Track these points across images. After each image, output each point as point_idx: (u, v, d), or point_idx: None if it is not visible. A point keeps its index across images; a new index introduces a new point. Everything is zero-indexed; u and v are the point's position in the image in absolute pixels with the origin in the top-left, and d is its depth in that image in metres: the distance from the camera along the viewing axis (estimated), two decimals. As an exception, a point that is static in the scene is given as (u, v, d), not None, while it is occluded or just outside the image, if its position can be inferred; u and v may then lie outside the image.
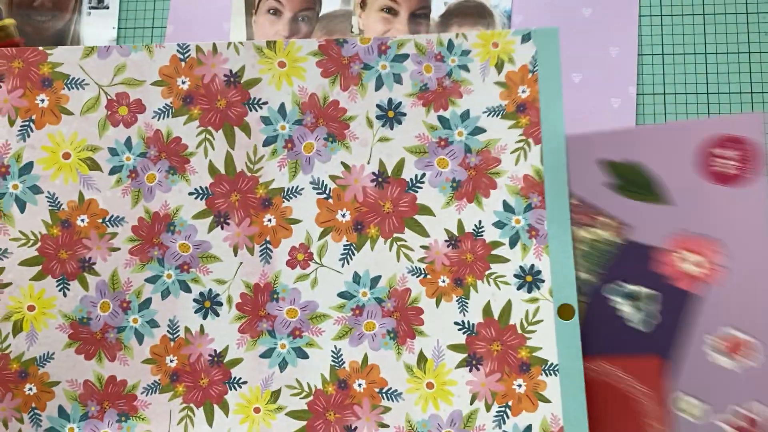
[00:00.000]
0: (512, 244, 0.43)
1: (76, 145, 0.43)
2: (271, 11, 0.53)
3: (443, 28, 0.51)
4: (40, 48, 0.42)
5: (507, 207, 0.43)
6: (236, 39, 0.53)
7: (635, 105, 0.51)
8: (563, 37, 0.53)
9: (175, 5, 0.57)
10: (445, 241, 0.43)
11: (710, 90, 0.52)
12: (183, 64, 0.43)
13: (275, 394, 0.43)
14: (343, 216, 0.43)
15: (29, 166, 0.42)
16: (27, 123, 0.42)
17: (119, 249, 0.43)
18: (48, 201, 0.42)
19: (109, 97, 0.43)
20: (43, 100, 0.42)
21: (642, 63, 0.52)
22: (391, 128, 0.43)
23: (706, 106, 0.51)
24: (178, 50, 0.43)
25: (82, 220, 0.43)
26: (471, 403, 0.42)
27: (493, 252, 0.43)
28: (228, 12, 0.56)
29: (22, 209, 0.42)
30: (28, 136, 0.42)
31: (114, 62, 0.43)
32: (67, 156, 0.43)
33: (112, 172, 0.43)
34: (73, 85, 0.42)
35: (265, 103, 0.43)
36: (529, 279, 0.42)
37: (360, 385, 0.43)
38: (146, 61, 0.43)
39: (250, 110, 0.43)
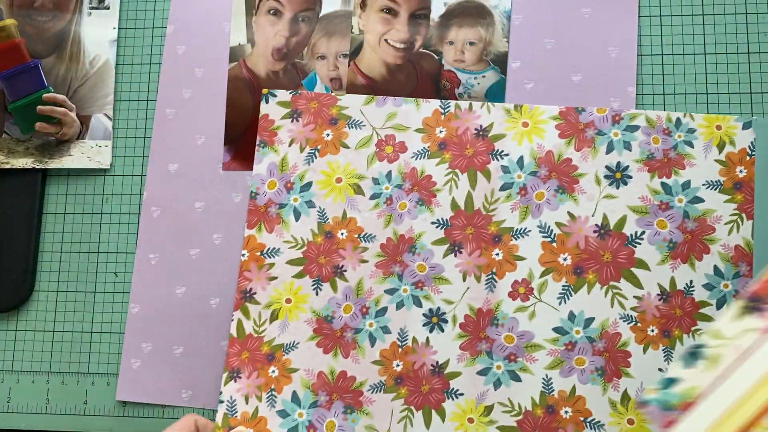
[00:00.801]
0: (719, 306, 0.47)
1: (347, 173, 0.51)
2: (272, 11, 0.53)
3: (443, 29, 0.51)
4: (333, 93, 0.52)
5: (717, 272, 0.48)
6: (236, 40, 0.54)
7: (635, 105, 0.51)
8: (563, 37, 0.53)
9: (175, 5, 0.57)
10: (657, 294, 0.48)
11: (710, 90, 0.52)
12: (443, 116, 0.51)
13: (488, 409, 0.47)
14: (565, 260, 0.49)
15: (309, 185, 0.51)
16: (313, 151, 0.51)
17: (367, 261, 0.50)
18: (318, 214, 0.51)
19: (379, 138, 0.51)
20: (328, 135, 0.52)
21: (642, 63, 0.52)
22: (617, 188, 0.49)
23: (706, 106, 0.51)
24: (440, 106, 0.51)
25: (342, 234, 0.50)
26: None
27: (701, 311, 0.47)
28: (228, 12, 0.56)
29: (297, 218, 0.51)
30: (312, 161, 0.51)
31: (387, 110, 0.51)
32: (339, 180, 0.51)
33: (372, 197, 0.51)
34: (353, 125, 0.51)
35: (507, 154, 0.50)
36: None
37: (566, 412, 0.47)
38: (413, 112, 0.51)
39: (493, 159, 0.50)
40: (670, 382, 0.45)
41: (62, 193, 0.56)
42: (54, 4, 0.57)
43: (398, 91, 0.52)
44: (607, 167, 0.49)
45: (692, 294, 0.48)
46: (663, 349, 0.47)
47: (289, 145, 0.52)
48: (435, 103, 0.51)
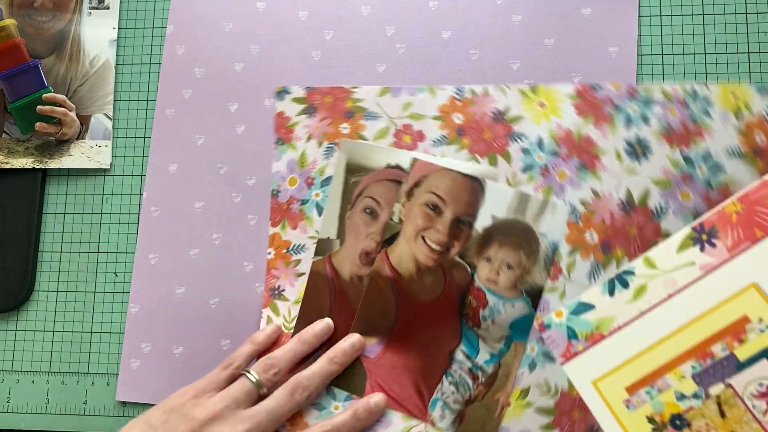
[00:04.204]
0: None
1: None
2: (368, 211, 0.50)
3: (484, 242, 0.48)
4: (347, 87, 0.52)
5: None
6: (327, 233, 0.51)
7: (635, 105, 0.51)
8: (563, 37, 0.53)
9: (175, 5, 0.57)
10: None
11: (710, 90, 0.52)
12: (459, 103, 0.51)
13: (524, 392, 0.47)
14: (591, 237, 0.47)
15: (329, 179, 0.51)
16: (331, 145, 0.51)
17: None
18: None
19: (396, 128, 0.51)
20: (345, 128, 0.51)
21: (642, 63, 0.52)
22: (639, 162, 0.48)
23: (706, 106, 0.51)
24: (456, 92, 0.51)
25: None
26: None
27: None
28: (229, 12, 0.56)
29: (320, 213, 0.51)
30: (331, 155, 0.51)
31: (403, 100, 0.51)
32: None
33: None
34: (370, 117, 0.51)
35: (526, 136, 0.49)
36: None
37: None
38: (429, 100, 0.51)
39: (512, 142, 0.49)
40: (584, 307, 0.43)
41: (62, 193, 0.56)
42: (54, 4, 0.57)
43: (422, 293, 0.49)
44: (627, 142, 0.48)
45: None
46: None
47: (307, 141, 0.52)
48: (450, 90, 0.51)
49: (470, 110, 0.51)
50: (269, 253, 0.51)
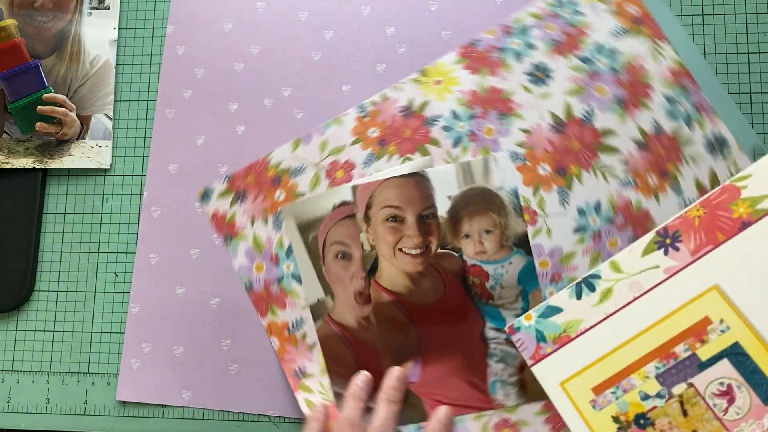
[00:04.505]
0: (688, 125, 0.49)
1: None
2: (340, 255, 0.50)
3: (454, 224, 0.49)
4: (261, 157, 0.52)
5: (670, 99, 0.49)
6: (313, 296, 0.50)
7: (635, 105, 0.51)
8: (563, 37, 0.53)
9: (175, 5, 0.57)
10: (636, 146, 0.49)
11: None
12: (367, 118, 0.51)
13: None
14: (544, 169, 0.49)
15: (291, 248, 0.51)
16: (276, 216, 0.51)
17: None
18: None
19: (325, 170, 0.51)
20: (280, 195, 0.51)
21: (642, 63, 0.52)
22: (546, 85, 0.50)
23: (706, 106, 0.51)
24: (359, 110, 0.52)
25: None
26: None
27: (681, 137, 0.49)
28: (229, 12, 0.56)
29: (300, 281, 0.50)
30: (281, 225, 0.51)
31: (317, 142, 0.51)
32: None
33: None
34: (296, 173, 0.51)
35: (440, 116, 0.50)
36: (717, 146, 0.49)
37: None
38: (339, 130, 0.51)
39: (431, 127, 0.50)
40: (552, 310, 0.43)
41: (62, 193, 0.56)
42: (54, 4, 0.57)
43: (427, 298, 0.49)
44: (526, 74, 0.50)
45: (664, 129, 0.49)
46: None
47: (252, 225, 0.51)
48: (354, 111, 0.51)
49: (380, 119, 0.51)
50: (274, 342, 0.50)
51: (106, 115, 0.56)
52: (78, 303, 0.55)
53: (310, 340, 0.49)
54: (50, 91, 0.56)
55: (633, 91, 0.49)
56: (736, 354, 0.39)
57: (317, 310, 0.50)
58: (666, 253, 0.42)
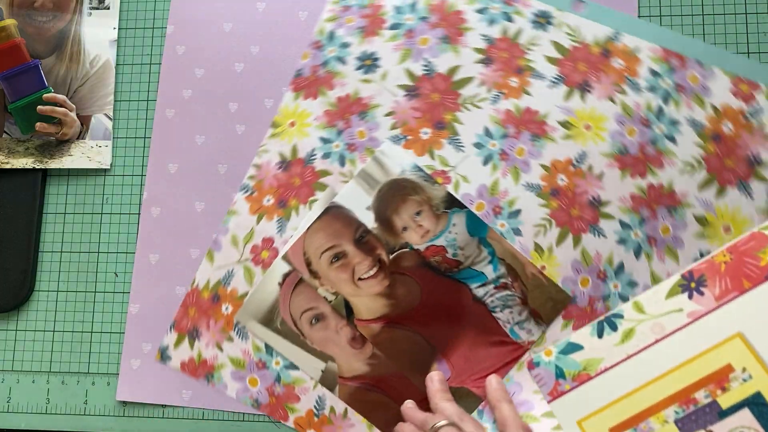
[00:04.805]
0: (509, 20, 0.52)
1: None
2: (314, 320, 0.50)
3: (386, 225, 0.50)
4: (189, 290, 0.52)
5: (481, 10, 0.52)
6: (317, 369, 0.50)
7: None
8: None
9: (175, 5, 0.57)
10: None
11: (710, 90, 0.52)
12: (255, 193, 0.53)
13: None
14: (426, 133, 0.51)
15: (269, 348, 0.51)
16: (238, 331, 0.51)
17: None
18: None
19: (248, 260, 0.51)
20: (227, 308, 0.51)
21: (642, 63, 0.52)
22: (379, 66, 0.52)
23: (706, 106, 0.51)
24: (244, 191, 0.53)
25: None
26: None
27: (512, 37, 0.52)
28: (229, 12, 0.56)
29: (297, 368, 0.50)
30: (246, 340, 0.51)
31: (227, 241, 0.52)
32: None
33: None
34: (227, 279, 0.52)
35: (313, 149, 0.52)
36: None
37: None
38: (239, 219, 0.52)
39: (312, 162, 0.52)
40: (573, 347, 0.43)
41: (62, 193, 0.56)
42: (54, 4, 0.57)
43: (410, 302, 0.49)
44: (358, 69, 0.52)
45: (509, 37, 0.51)
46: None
47: (221, 350, 0.51)
48: (240, 195, 0.52)
49: (266, 187, 0.52)
50: None
51: (106, 115, 0.56)
52: (78, 303, 0.55)
53: (339, 409, 0.49)
54: (50, 91, 0.56)
55: (449, 23, 0.52)
56: (757, 404, 0.39)
57: (328, 380, 0.50)
58: (690, 296, 0.42)
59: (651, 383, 0.41)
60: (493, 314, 0.49)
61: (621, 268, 0.48)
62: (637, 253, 0.48)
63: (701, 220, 0.48)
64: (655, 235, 0.48)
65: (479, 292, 0.49)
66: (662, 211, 0.48)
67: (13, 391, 0.54)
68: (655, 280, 0.47)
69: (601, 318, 0.43)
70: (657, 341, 0.41)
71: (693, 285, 0.42)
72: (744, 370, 0.40)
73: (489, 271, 0.49)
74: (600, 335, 0.43)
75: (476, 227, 0.49)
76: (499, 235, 0.49)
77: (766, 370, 0.39)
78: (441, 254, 0.50)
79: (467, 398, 0.48)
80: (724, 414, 0.39)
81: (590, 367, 0.43)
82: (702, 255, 0.47)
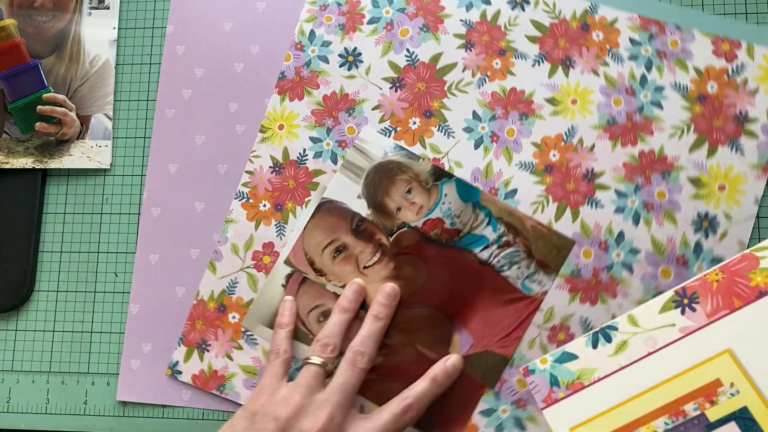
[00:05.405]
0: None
1: None
2: (321, 319, 0.50)
3: (381, 210, 0.50)
4: (194, 302, 0.52)
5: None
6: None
7: (635, 105, 0.51)
8: (563, 37, 0.53)
9: (175, 5, 0.57)
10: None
11: (710, 90, 0.52)
12: (251, 199, 0.53)
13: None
14: (415, 123, 0.52)
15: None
16: (244, 335, 0.51)
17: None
18: None
19: (253, 265, 0.52)
20: (234, 317, 0.52)
21: (642, 63, 0.52)
22: (361, 61, 0.53)
23: (706, 106, 0.51)
24: (239, 198, 0.53)
25: None
26: None
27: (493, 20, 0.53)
28: (229, 12, 0.56)
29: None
30: (255, 339, 0.51)
31: (228, 249, 0.53)
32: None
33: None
34: (232, 288, 0.52)
35: (304, 149, 0.53)
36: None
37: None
38: (237, 226, 0.52)
39: (305, 163, 0.53)
40: (567, 356, 0.44)
41: (62, 193, 0.56)
42: (54, 4, 0.57)
43: (419, 280, 0.50)
44: (341, 66, 0.53)
45: (487, 19, 0.53)
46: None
47: (231, 359, 0.51)
48: (236, 203, 0.53)
49: (261, 192, 0.53)
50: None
51: (105, 115, 0.56)
52: (78, 303, 0.55)
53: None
54: (50, 91, 0.56)
55: (427, 12, 0.53)
56: (744, 418, 0.40)
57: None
58: (683, 312, 0.43)
59: (642, 394, 0.42)
60: (502, 273, 0.49)
61: (621, 236, 0.49)
62: (636, 221, 0.49)
63: (695, 182, 0.49)
64: (652, 200, 0.49)
65: (484, 255, 0.49)
66: (656, 176, 0.49)
67: (13, 391, 0.54)
68: (656, 245, 0.49)
69: (596, 329, 0.44)
70: (649, 354, 0.43)
71: (686, 301, 0.43)
72: (732, 385, 0.41)
73: (489, 233, 0.49)
74: (594, 346, 0.44)
75: (468, 192, 0.50)
76: (491, 196, 0.50)
77: (753, 386, 0.40)
78: (439, 226, 0.50)
79: (494, 359, 0.49)
80: (711, 426, 0.41)
81: (584, 376, 0.43)
82: (699, 216, 0.48)
